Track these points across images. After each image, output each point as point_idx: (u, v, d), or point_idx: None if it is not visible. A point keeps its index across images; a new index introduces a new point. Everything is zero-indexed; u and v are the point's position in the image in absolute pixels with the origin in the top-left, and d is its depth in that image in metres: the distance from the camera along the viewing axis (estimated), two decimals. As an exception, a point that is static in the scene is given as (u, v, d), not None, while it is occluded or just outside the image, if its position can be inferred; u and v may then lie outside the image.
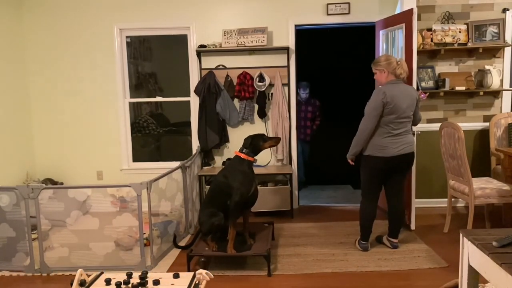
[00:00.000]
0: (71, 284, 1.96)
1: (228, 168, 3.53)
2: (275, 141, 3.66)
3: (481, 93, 4.69)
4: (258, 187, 3.72)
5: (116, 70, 5.06)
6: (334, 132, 5.99)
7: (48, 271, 3.45)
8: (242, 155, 3.50)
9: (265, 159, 4.96)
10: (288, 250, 3.78)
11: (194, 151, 5.03)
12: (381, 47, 4.70)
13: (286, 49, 4.85)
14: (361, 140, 3.52)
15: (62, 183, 5.12)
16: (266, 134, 3.74)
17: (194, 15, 4.95)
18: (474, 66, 4.80)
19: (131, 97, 5.25)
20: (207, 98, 4.85)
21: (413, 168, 4.55)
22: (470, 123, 4.84)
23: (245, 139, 3.59)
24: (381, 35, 4.67)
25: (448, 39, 4.67)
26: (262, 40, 4.76)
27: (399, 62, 3.51)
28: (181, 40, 5.08)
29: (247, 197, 3.44)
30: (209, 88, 4.83)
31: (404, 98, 3.43)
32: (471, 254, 1.91)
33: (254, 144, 3.55)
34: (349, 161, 3.69)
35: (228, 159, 4.96)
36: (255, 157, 3.56)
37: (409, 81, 4.05)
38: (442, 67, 4.81)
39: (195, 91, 4.95)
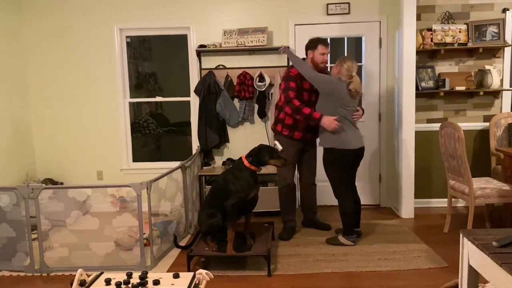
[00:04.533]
0: (71, 284, 1.96)
1: (230, 171, 3.51)
2: (281, 163, 3.52)
3: (481, 93, 4.69)
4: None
5: (116, 70, 5.06)
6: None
7: (48, 271, 3.45)
8: (246, 163, 3.45)
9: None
10: (288, 250, 3.78)
11: (194, 151, 5.03)
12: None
13: (286, 49, 4.85)
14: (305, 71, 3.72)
15: (62, 183, 5.12)
16: (276, 152, 3.59)
17: (194, 15, 4.95)
18: (474, 66, 4.80)
19: (131, 97, 5.25)
20: (207, 98, 4.85)
21: (413, 168, 4.57)
22: (470, 123, 4.84)
23: (254, 148, 3.52)
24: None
25: (448, 39, 4.67)
26: (262, 40, 4.76)
27: (353, 76, 3.64)
28: (181, 40, 5.08)
29: (246, 201, 3.44)
30: (209, 88, 4.83)
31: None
32: (471, 254, 1.91)
33: (260, 157, 3.47)
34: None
35: (229, 159, 4.97)
36: (260, 167, 3.49)
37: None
38: (442, 67, 4.81)
39: (195, 91, 4.95)
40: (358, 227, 4.04)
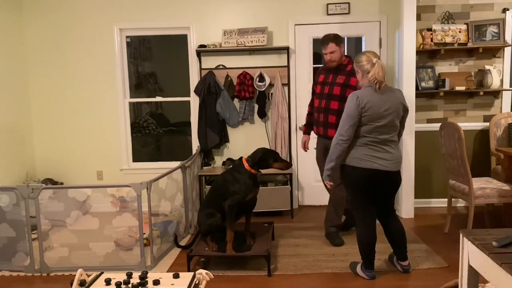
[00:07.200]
0: (71, 284, 1.96)
1: (230, 172, 3.50)
2: (285, 165, 3.52)
3: (481, 93, 4.69)
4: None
5: (116, 70, 5.06)
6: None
7: (48, 271, 3.45)
8: (247, 166, 3.43)
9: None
10: (288, 250, 3.79)
11: (194, 151, 5.03)
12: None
13: (286, 49, 4.85)
14: (337, 153, 3.00)
15: (62, 183, 5.12)
16: (279, 155, 3.56)
17: (194, 15, 4.95)
18: (474, 66, 4.80)
19: (131, 97, 5.25)
20: (207, 98, 4.85)
21: (413, 168, 4.57)
22: (470, 123, 4.84)
23: (256, 152, 3.47)
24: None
25: (448, 39, 4.67)
26: (262, 40, 4.76)
27: (375, 64, 2.90)
28: (181, 40, 5.08)
29: (244, 202, 3.43)
30: (209, 88, 4.83)
31: (385, 104, 2.92)
32: (471, 254, 1.91)
33: (263, 160, 3.45)
34: (326, 183, 3.19)
35: (229, 159, 4.96)
36: (260, 170, 3.46)
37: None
38: (442, 67, 4.81)
39: (195, 91, 4.95)
40: (403, 259, 3.22)
